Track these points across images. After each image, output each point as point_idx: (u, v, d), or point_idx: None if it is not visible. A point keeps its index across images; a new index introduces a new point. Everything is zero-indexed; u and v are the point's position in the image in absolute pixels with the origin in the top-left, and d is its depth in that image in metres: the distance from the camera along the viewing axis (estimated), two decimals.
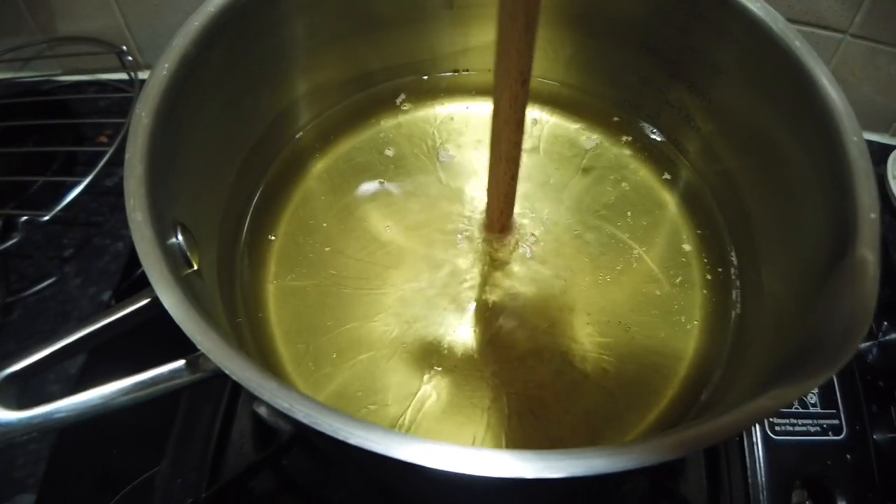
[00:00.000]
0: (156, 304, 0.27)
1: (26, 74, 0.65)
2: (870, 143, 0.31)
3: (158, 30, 0.62)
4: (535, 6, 0.26)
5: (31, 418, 0.24)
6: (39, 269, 0.53)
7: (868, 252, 0.28)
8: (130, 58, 0.62)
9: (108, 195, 0.57)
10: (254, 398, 0.39)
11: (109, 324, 0.27)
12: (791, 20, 0.35)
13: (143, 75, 0.62)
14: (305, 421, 0.21)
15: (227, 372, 0.23)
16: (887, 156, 0.61)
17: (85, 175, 0.52)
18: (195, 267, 0.30)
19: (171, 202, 0.30)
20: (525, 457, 0.21)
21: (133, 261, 0.53)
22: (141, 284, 0.51)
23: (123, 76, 0.62)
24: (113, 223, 0.56)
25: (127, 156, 0.28)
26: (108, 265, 0.53)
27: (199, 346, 0.23)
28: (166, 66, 0.31)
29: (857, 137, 0.31)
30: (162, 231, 0.27)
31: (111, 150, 0.53)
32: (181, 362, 0.26)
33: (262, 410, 0.32)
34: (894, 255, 0.53)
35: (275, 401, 0.22)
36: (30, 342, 0.50)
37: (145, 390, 0.25)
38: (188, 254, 0.30)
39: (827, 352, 0.26)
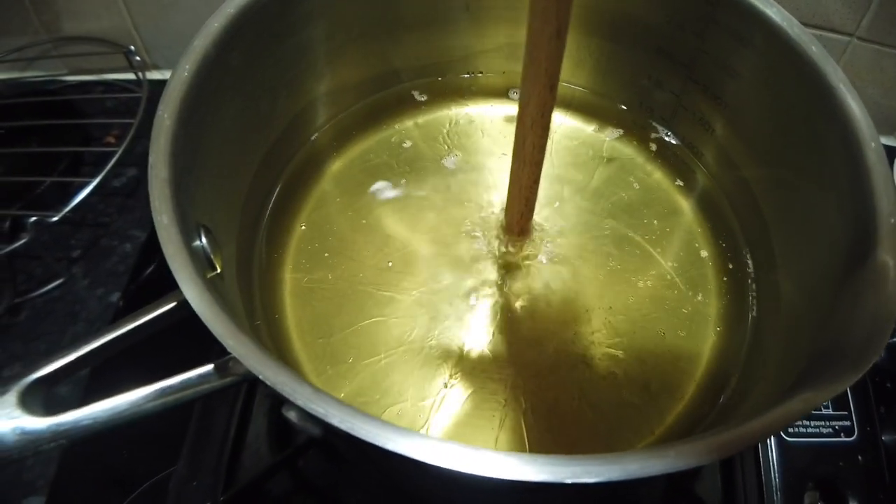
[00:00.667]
0: (181, 307, 0.27)
1: (32, 74, 0.64)
2: None
3: (166, 29, 0.62)
4: (567, 11, 0.26)
5: (59, 425, 0.24)
6: (47, 269, 0.52)
7: (889, 257, 0.28)
8: (138, 58, 0.61)
9: (115, 196, 0.57)
10: (283, 402, 0.39)
11: (135, 328, 0.27)
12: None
13: (150, 75, 0.61)
14: (342, 427, 0.21)
15: (260, 377, 0.22)
16: (894, 159, 0.61)
17: (93, 176, 0.52)
18: (218, 269, 0.30)
19: (192, 204, 0.30)
20: (561, 461, 0.21)
21: (141, 262, 0.53)
22: (149, 286, 0.52)
23: (130, 76, 0.62)
24: (121, 224, 0.55)
25: (151, 158, 0.28)
26: (116, 266, 0.53)
27: (230, 350, 0.23)
28: (187, 67, 0.31)
29: (874, 143, 0.31)
30: (187, 233, 0.27)
31: (119, 151, 0.53)
32: (210, 367, 0.25)
33: (291, 415, 0.32)
34: None
35: (309, 406, 0.22)
36: (37, 343, 0.49)
37: (174, 395, 0.25)
38: (211, 256, 0.30)
39: (851, 355, 0.26)
